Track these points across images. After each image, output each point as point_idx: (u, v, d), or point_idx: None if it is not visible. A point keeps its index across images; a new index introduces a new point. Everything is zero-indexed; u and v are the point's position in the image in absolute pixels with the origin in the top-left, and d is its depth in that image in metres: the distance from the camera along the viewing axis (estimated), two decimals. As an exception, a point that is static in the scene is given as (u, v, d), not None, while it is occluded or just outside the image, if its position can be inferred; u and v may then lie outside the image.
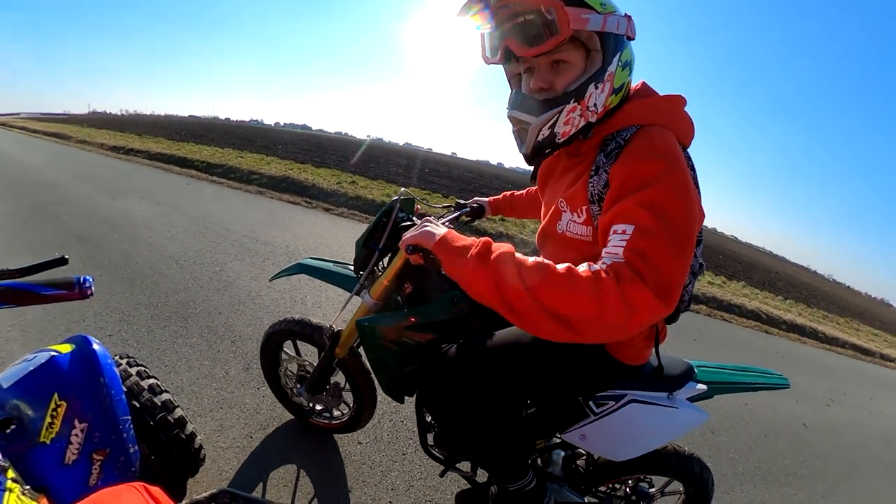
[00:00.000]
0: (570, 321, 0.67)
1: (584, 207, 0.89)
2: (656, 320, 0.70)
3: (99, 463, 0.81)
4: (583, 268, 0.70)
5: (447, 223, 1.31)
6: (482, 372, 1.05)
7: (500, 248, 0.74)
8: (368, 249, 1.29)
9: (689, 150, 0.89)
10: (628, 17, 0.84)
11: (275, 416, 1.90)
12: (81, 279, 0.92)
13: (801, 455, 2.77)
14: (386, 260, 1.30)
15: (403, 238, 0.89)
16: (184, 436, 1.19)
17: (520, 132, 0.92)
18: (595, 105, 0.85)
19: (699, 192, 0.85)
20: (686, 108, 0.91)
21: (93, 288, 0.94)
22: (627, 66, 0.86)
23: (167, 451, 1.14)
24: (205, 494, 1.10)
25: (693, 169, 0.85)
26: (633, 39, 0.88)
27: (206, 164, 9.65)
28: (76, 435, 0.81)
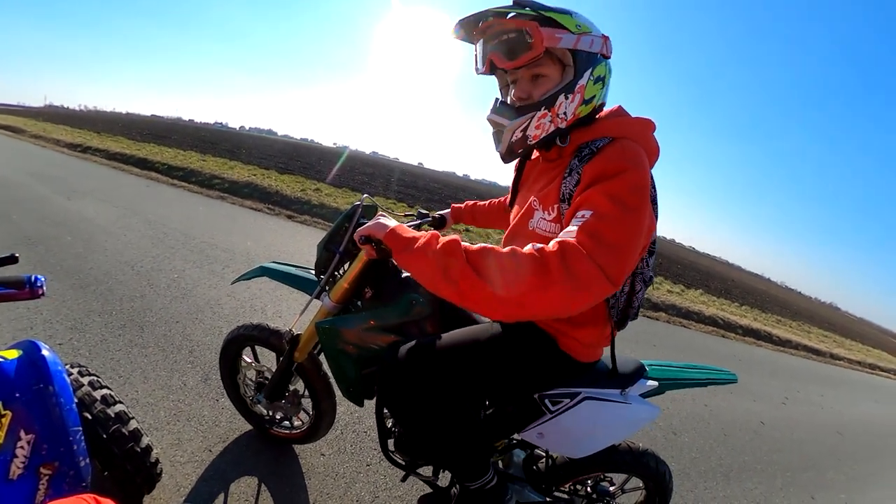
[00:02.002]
0: (514, 297, 0.72)
1: (555, 206, 0.96)
2: (600, 298, 0.76)
3: (47, 477, 0.76)
4: (527, 248, 0.77)
5: None
6: (436, 370, 1.07)
7: (446, 237, 0.81)
8: (329, 252, 1.30)
9: (651, 171, 0.95)
10: (605, 38, 0.94)
11: (234, 429, 1.83)
12: (32, 278, 0.87)
13: (759, 451, 2.89)
14: (347, 264, 1.31)
15: (358, 230, 0.97)
16: (139, 449, 1.13)
17: (497, 134, 1.01)
18: (565, 113, 0.94)
19: (657, 210, 0.94)
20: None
21: (44, 287, 0.89)
22: (600, 80, 0.95)
23: (121, 465, 1.09)
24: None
25: (654, 188, 0.93)
26: (609, 58, 0.96)
27: (167, 167, 9.31)
28: (21, 448, 0.75)
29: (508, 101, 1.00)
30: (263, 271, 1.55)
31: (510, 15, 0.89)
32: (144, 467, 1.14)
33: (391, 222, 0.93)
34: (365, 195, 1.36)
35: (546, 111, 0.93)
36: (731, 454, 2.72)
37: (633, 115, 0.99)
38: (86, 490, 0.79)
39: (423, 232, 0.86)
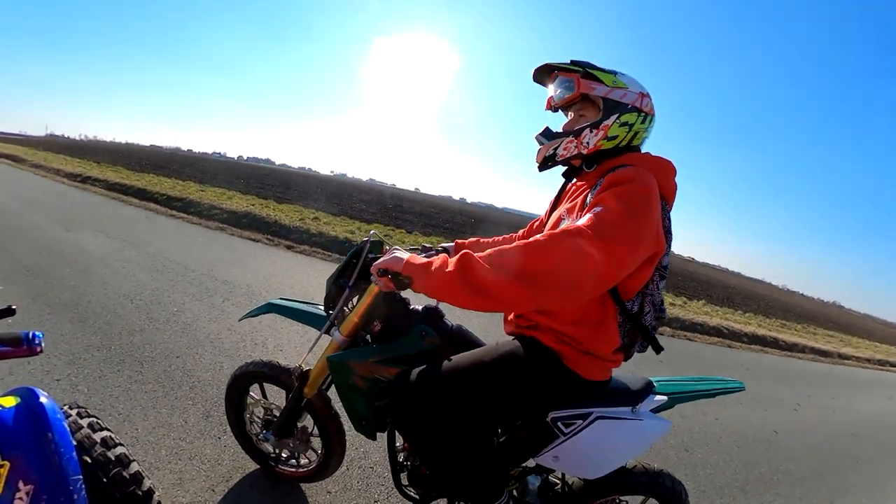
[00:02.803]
0: (530, 277, 0.83)
1: (579, 213, 1.10)
2: (604, 276, 0.87)
3: (46, 529, 0.73)
4: (532, 238, 0.89)
5: None
6: (445, 392, 1.12)
7: (457, 255, 0.91)
8: (339, 287, 1.33)
9: (671, 210, 1.10)
10: (642, 95, 1.13)
11: (238, 467, 1.79)
12: (30, 335, 0.86)
13: (775, 461, 2.84)
14: (356, 298, 1.34)
15: (374, 264, 1.05)
16: (140, 492, 1.09)
17: (538, 150, 1.23)
18: (588, 143, 1.14)
19: (671, 239, 1.08)
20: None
21: (42, 345, 0.89)
22: (626, 125, 1.13)
23: (122, 511, 1.04)
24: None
25: (668, 219, 1.08)
26: (642, 111, 1.14)
27: (166, 197, 9.35)
28: (20, 499, 0.72)
29: (554, 130, 1.22)
30: (270, 308, 1.56)
31: (566, 67, 1.15)
32: (147, 512, 1.11)
33: (404, 254, 1.03)
34: (373, 231, 1.41)
35: (573, 138, 1.15)
36: (745, 467, 2.67)
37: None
38: (87, 541, 0.76)
39: (434, 257, 0.96)
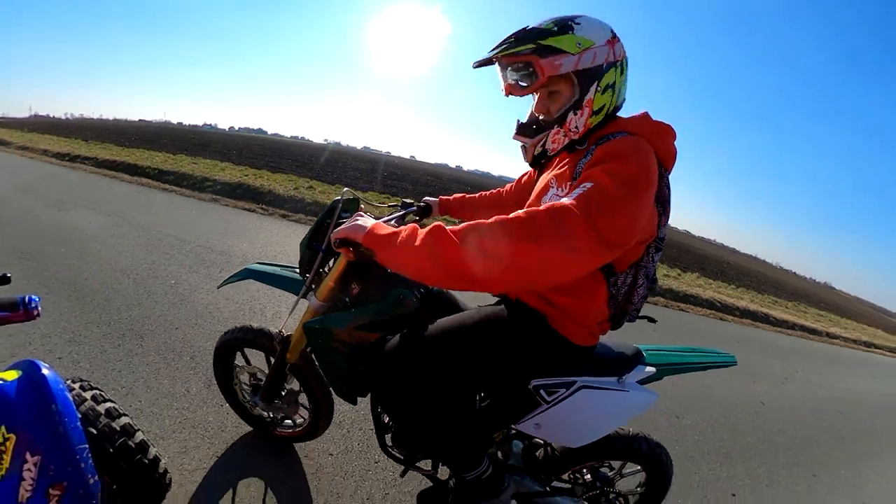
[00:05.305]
0: (508, 261, 0.74)
1: (568, 183, 1.01)
2: (595, 260, 0.79)
3: (56, 498, 0.75)
4: (513, 214, 0.79)
5: (393, 222, 1.31)
6: (425, 359, 1.08)
7: (428, 226, 0.82)
8: (312, 251, 1.28)
9: (668, 175, 1.02)
10: (611, 42, 0.98)
11: (241, 433, 1.83)
12: (26, 299, 0.85)
13: (761, 431, 2.93)
14: (332, 261, 1.28)
15: (334, 233, 0.97)
16: (147, 461, 1.12)
17: (523, 148, 1.12)
18: (576, 127, 1.01)
19: (669, 209, 1.02)
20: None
21: (39, 308, 0.88)
22: (609, 88, 1.00)
23: (130, 478, 1.08)
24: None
25: (668, 188, 1.01)
26: (619, 61, 1.00)
27: (157, 171, 9.24)
28: (29, 470, 0.74)
29: (527, 120, 1.11)
30: (248, 273, 1.53)
31: (513, 51, 0.96)
32: (153, 479, 1.13)
33: (368, 221, 0.93)
34: (346, 189, 1.33)
35: (559, 128, 1.02)
36: (732, 435, 2.75)
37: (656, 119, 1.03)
38: (96, 508, 0.78)
39: (402, 227, 0.86)
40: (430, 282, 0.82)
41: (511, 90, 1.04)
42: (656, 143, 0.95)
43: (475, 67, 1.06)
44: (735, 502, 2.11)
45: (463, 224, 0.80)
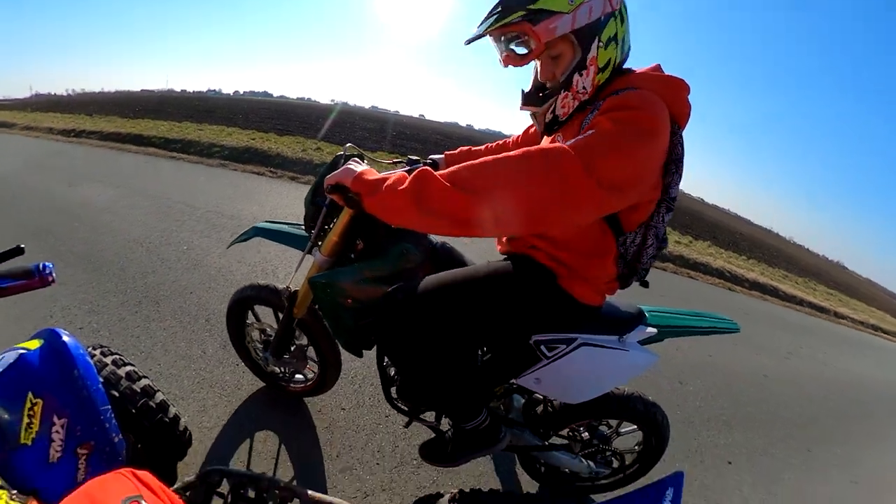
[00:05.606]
0: (501, 202, 0.74)
1: (575, 137, 0.97)
2: (593, 204, 0.78)
3: (85, 457, 0.80)
4: (504, 154, 0.79)
5: None
6: (432, 310, 1.07)
7: (414, 173, 0.80)
8: (316, 206, 1.28)
9: (682, 132, 0.97)
10: None
11: (256, 390, 1.92)
12: (40, 266, 0.87)
13: (761, 403, 2.95)
14: (336, 217, 1.29)
15: (327, 178, 0.95)
16: (167, 419, 1.18)
17: (533, 116, 1.10)
18: (584, 88, 0.96)
19: (682, 168, 0.97)
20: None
21: (54, 274, 0.90)
22: (612, 40, 0.94)
23: (153, 437, 1.14)
24: (195, 476, 1.10)
25: (682, 146, 0.95)
26: (616, 10, 0.93)
27: (163, 140, 9.19)
28: (57, 432, 0.79)
29: (532, 88, 1.06)
30: (256, 231, 1.54)
31: (503, 23, 0.90)
32: (174, 436, 1.19)
33: (359, 167, 0.93)
34: (348, 144, 1.32)
35: (566, 92, 0.97)
36: (733, 404, 2.78)
37: (668, 73, 0.99)
38: (122, 465, 0.84)
39: (391, 173, 0.86)
40: (416, 226, 0.82)
41: (509, 61, 0.99)
42: (668, 97, 0.91)
43: (467, 44, 1.01)
44: (731, 470, 2.16)
45: (452, 168, 0.79)
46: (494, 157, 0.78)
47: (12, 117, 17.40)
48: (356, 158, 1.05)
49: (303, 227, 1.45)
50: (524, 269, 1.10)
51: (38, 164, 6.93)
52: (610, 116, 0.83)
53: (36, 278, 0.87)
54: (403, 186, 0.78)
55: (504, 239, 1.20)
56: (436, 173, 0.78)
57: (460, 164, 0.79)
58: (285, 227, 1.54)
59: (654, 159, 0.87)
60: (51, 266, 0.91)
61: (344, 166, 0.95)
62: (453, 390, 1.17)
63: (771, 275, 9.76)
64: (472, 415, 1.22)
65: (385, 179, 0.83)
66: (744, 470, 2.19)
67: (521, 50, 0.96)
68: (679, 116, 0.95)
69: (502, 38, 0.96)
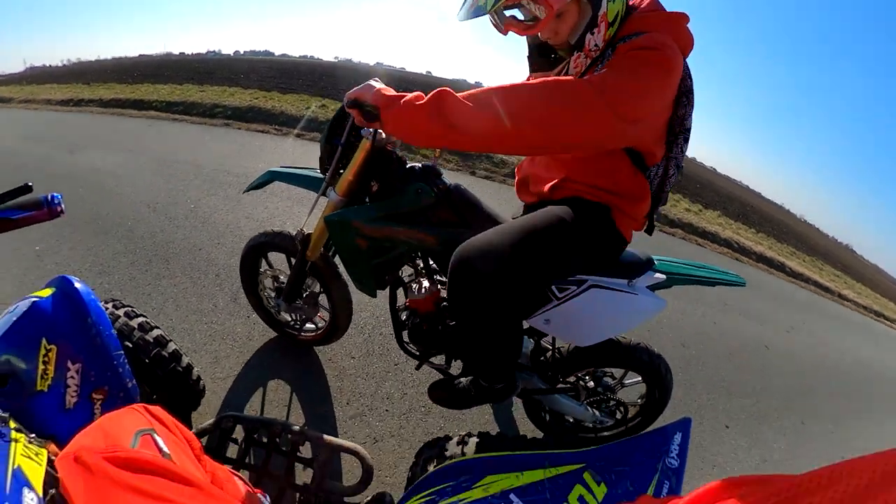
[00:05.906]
0: (516, 118, 0.78)
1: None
2: (607, 131, 0.82)
3: (99, 402, 0.82)
4: (521, 81, 0.85)
5: None
6: (515, 273, 0.97)
7: (434, 91, 0.84)
8: (332, 145, 1.29)
9: (687, 60, 0.98)
10: None
11: (267, 340, 1.96)
12: (49, 197, 0.87)
13: (761, 373, 2.98)
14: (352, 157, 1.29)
15: (347, 94, 0.99)
16: (180, 368, 1.20)
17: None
18: (595, 45, 0.96)
19: (693, 98, 1.00)
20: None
21: (62, 205, 0.89)
22: None
23: (167, 386, 1.16)
24: (210, 422, 1.13)
25: (690, 78, 0.98)
26: None
27: (165, 104, 9.04)
28: (72, 377, 0.80)
29: (536, 51, 1.07)
30: (272, 175, 1.55)
31: None
32: (188, 385, 1.22)
33: (378, 84, 0.95)
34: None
35: (579, 52, 0.98)
36: (733, 372, 2.80)
37: (667, 9, 0.99)
38: (136, 405, 0.86)
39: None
40: (436, 141, 0.86)
41: (512, 28, 0.96)
42: (673, 33, 0.93)
43: (461, 21, 0.96)
44: (728, 433, 2.20)
45: (470, 91, 0.83)
46: (511, 83, 0.82)
47: (9, 92, 16.98)
48: (377, 78, 1.03)
49: (316, 170, 1.45)
50: (583, 210, 1.07)
51: (40, 135, 6.84)
52: (627, 55, 0.86)
53: (45, 209, 0.86)
54: (422, 102, 0.82)
55: (546, 188, 1.14)
56: (454, 93, 0.81)
57: (478, 89, 0.82)
58: (299, 171, 1.54)
59: (666, 93, 0.90)
60: (59, 197, 0.89)
61: (365, 83, 0.97)
62: (503, 354, 1.15)
63: (779, 250, 9.64)
64: (503, 378, 1.23)
65: (403, 95, 0.87)
66: (740, 434, 2.23)
67: (521, 16, 0.94)
68: (684, 47, 0.96)
69: (504, 10, 0.93)
